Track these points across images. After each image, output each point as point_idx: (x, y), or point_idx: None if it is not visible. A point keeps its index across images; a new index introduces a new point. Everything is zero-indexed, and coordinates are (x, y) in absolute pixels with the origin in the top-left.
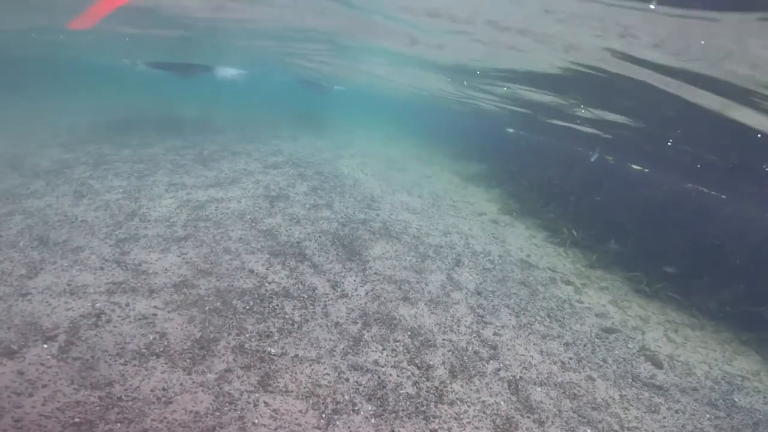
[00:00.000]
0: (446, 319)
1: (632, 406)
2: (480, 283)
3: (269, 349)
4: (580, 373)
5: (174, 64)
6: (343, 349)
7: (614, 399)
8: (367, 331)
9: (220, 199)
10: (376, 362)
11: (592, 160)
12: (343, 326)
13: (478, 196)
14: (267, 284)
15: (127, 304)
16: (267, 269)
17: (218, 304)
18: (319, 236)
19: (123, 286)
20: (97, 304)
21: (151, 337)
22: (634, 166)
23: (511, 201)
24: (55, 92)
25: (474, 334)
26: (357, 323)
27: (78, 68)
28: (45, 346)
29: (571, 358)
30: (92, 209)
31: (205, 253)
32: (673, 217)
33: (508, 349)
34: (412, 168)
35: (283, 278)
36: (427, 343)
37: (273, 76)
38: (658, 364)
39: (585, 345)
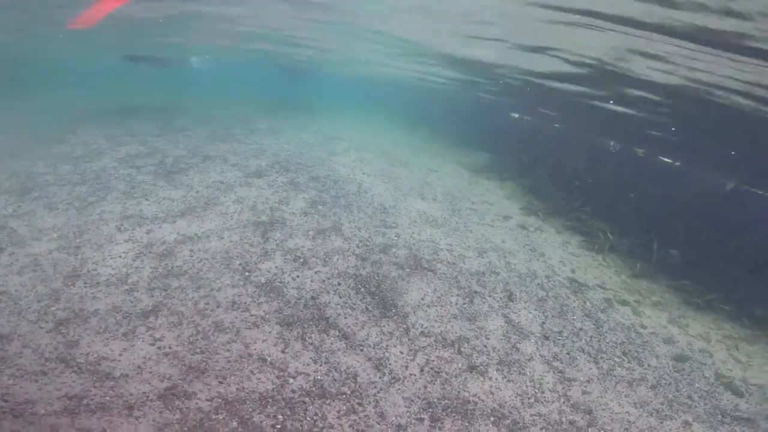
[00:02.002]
0: (526, 387)
1: None
2: (543, 323)
3: None
4: (676, 419)
5: (148, 56)
6: None
7: None
8: (440, 430)
9: (194, 237)
10: None
11: (613, 151)
12: (408, 429)
13: (494, 193)
14: (291, 380)
15: None
16: (283, 352)
17: (234, 424)
18: (338, 283)
19: (85, 403)
20: None
21: None
22: (664, 159)
23: (530, 198)
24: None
25: (562, 399)
26: (423, 419)
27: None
28: None
29: (662, 404)
30: (15, 272)
31: (189, 335)
32: (722, 218)
33: (603, 410)
34: (413, 161)
35: (309, 365)
36: (516, 427)
37: (247, 63)
38: (737, 392)
39: (669, 383)
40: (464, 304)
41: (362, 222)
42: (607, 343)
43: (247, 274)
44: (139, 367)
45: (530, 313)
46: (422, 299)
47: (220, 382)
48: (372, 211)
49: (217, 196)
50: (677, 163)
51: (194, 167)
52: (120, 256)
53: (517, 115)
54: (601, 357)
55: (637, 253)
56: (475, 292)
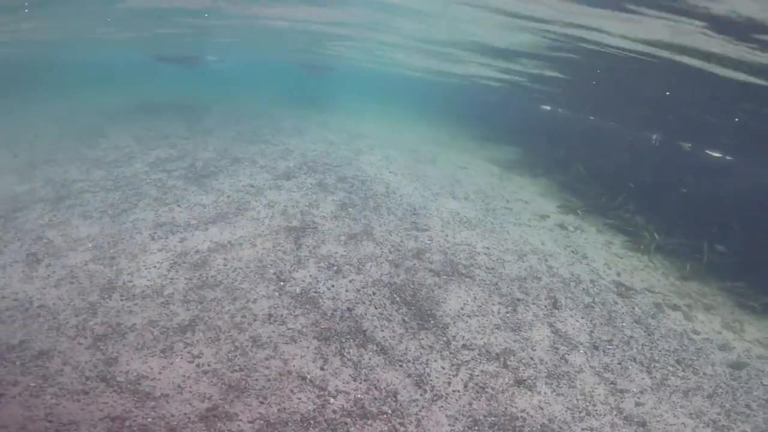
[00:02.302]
0: (577, 400)
1: None
2: (591, 331)
3: None
4: (734, 430)
5: (177, 56)
6: None
7: None
8: None
9: (227, 245)
10: None
11: (655, 144)
12: None
13: (527, 190)
14: (331, 399)
15: None
16: (322, 369)
17: None
18: (372, 293)
19: (127, 425)
20: None
21: None
22: (713, 153)
23: (567, 195)
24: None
25: (615, 412)
26: None
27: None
28: None
29: (719, 414)
30: (53, 284)
31: (228, 351)
32: None
33: (657, 422)
34: (441, 158)
35: (348, 382)
36: None
37: (270, 60)
38: None
39: (726, 392)
40: (507, 313)
41: (392, 224)
42: (660, 351)
43: (281, 283)
44: (179, 386)
45: (577, 321)
46: (462, 309)
47: (261, 402)
48: (401, 211)
49: (248, 200)
50: (728, 158)
51: (224, 170)
52: (155, 267)
53: (549, 108)
54: (654, 366)
55: (685, 253)
56: (518, 299)
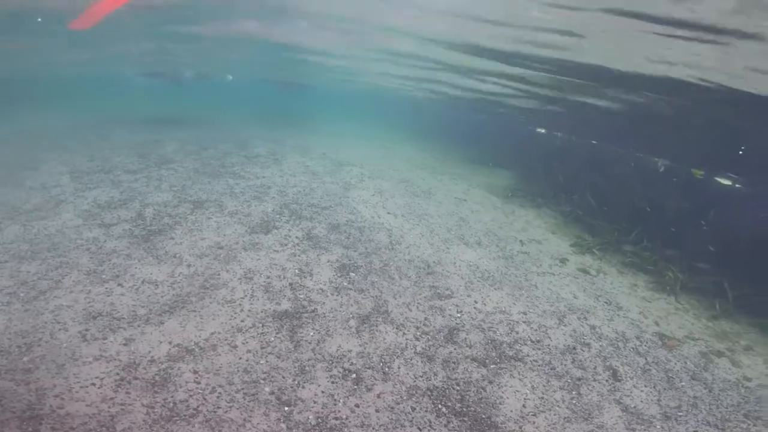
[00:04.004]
0: None
1: None
2: (658, 400)
3: None
4: None
5: (160, 72)
6: None
7: None
8: None
9: (195, 349)
10: None
11: (661, 170)
12: None
13: (535, 226)
14: None
15: None
16: None
17: None
18: (411, 408)
19: None
20: None
21: None
22: (722, 181)
23: (576, 230)
24: None
25: None
26: None
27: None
28: None
29: None
30: None
31: None
32: None
33: None
34: (435, 188)
35: None
36: None
37: (242, 78)
38: None
39: None
40: (572, 398)
41: (409, 293)
42: (726, 407)
43: (286, 409)
44: None
45: (641, 391)
46: (524, 406)
47: None
48: (415, 272)
49: (217, 271)
50: (737, 186)
51: (182, 222)
52: (94, 385)
53: (543, 131)
54: (728, 426)
55: (710, 290)
56: (578, 378)
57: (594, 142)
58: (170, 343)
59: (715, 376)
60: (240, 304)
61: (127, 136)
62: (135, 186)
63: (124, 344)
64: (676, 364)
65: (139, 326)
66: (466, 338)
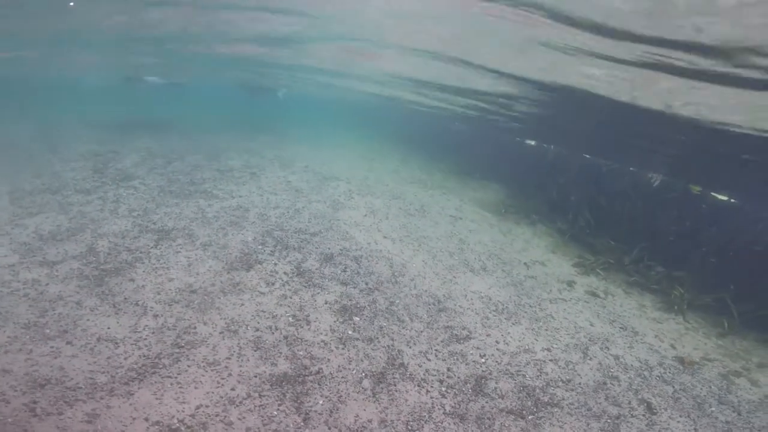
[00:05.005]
0: None
1: None
2: (695, 429)
3: None
4: None
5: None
6: None
7: None
8: None
9: (178, 430)
10: None
11: (655, 185)
12: None
13: (535, 245)
14: None
15: None
16: None
17: None
18: None
19: None
20: None
21: None
22: (718, 196)
23: (576, 248)
24: None
25: None
26: None
27: None
28: None
29: None
30: None
31: None
32: None
33: None
34: (428, 204)
35: None
36: None
37: (208, 83)
38: None
39: None
40: None
41: (424, 339)
42: (759, 430)
43: None
44: None
45: (679, 422)
46: None
47: None
48: (426, 311)
49: (192, 323)
50: (733, 200)
51: (144, 258)
52: None
53: (533, 143)
54: None
55: (715, 307)
56: (616, 417)
57: (587, 155)
58: (147, 419)
59: (740, 398)
60: (227, 367)
61: (83, 145)
62: (87, 210)
63: (88, 421)
64: (702, 389)
65: (102, 398)
66: (496, 387)
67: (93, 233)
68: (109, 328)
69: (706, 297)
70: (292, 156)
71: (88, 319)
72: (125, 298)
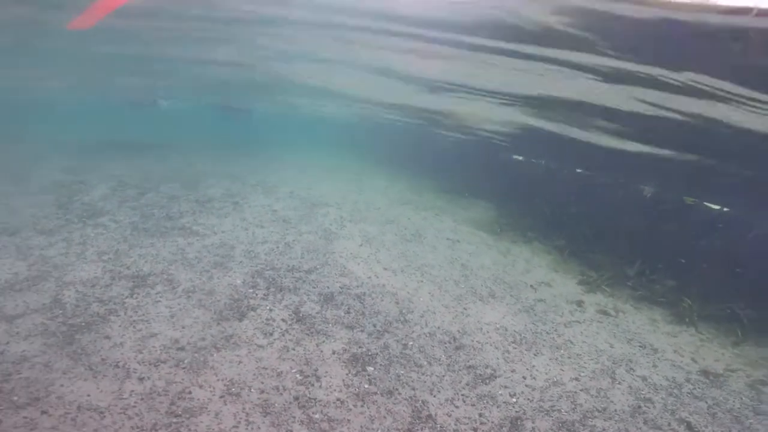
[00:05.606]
0: None
1: None
2: None
3: None
4: None
5: None
6: None
7: None
8: None
9: None
10: None
11: (647, 196)
12: None
13: (536, 266)
14: None
15: None
16: None
17: None
18: None
19: None
20: None
21: None
22: (711, 205)
23: (577, 265)
24: None
25: None
26: None
27: None
28: None
29: None
30: None
31: None
32: None
33: None
34: (424, 228)
35: None
36: None
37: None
38: None
39: None
40: None
41: (447, 384)
42: None
43: None
44: None
45: None
46: None
47: None
48: (443, 351)
49: (186, 386)
50: (725, 209)
51: (119, 309)
52: None
53: (521, 158)
54: None
55: (724, 316)
56: None
57: (579, 170)
58: None
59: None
60: None
61: (46, 174)
62: (49, 255)
63: None
64: (734, 401)
65: None
66: (534, 428)
67: (57, 282)
68: (89, 395)
69: (713, 307)
70: (274, 181)
71: (62, 384)
72: (102, 359)
